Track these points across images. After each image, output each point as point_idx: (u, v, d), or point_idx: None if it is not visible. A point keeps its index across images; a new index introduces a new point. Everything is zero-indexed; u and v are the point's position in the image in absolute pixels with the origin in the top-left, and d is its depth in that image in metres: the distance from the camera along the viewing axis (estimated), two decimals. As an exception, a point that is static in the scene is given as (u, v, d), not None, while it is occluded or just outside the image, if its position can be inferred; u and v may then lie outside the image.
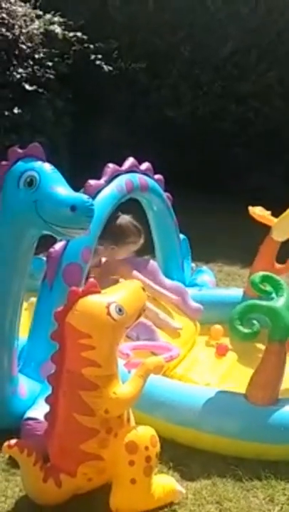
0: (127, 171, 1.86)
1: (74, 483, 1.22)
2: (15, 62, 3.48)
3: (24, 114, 3.40)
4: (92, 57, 3.82)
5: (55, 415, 1.22)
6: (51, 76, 3.64)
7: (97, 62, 3.83)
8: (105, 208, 1.71)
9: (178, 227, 2.23)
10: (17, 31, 3.47)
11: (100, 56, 3.83)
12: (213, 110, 3.99)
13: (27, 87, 3.47)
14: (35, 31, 3.58)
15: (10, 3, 3.46)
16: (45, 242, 1.50)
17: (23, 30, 3.52)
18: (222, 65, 3.97)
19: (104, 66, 3.85)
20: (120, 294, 1.24)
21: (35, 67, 3.57)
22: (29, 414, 1.38)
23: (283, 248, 2.10)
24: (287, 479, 1.34)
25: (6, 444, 1.20)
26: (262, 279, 1.56)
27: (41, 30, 3.63)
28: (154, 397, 1.44)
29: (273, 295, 1.53)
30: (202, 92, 4.03)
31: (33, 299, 1.69)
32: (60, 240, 1.58)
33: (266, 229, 2.09)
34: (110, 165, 1.79)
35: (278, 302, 1.49)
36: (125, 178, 1.83)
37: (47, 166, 1.35)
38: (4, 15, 3.40)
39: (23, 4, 3.61)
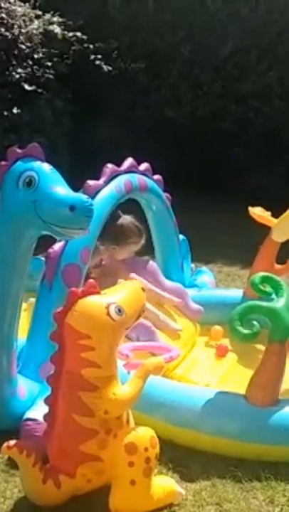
0: (126, 172, 1.86)
1: (73, 484, 1.22)
2: (14, 62, 3.47)
3: (23, 114, 3.39)
4: (92, 57, 3.82)
5: (54, 416, 1.22)
6: (50, 76, 3.63)
7: (97, 62, 3.83)
8: (104, 208, 1.71)
9: (177, 227, 2.23)
10: (16, 31, 3.46)
11: (99, 56, 3.82)
12: (213, 110, 3.99)
13: (26, 87, 3.47)
14: (34, 31, 3.58)
15: (9, 3, 3.46)
16: (44, 243, 1.50)
17: (23, 30, 3.51)
18: (222, 65, 3.97)
19: (104, 66, 3.84)
20: (120, 295, 1.24)
21: (35, 67, 3.57)
22: (28, 415, 1.38)
23: (283, 249, 2.10)
24: (287, 480, 1.34)
25: (5, 444, 1.20)
26: (262, 280, 1.55)
27: (40, 30, 3.63)
28: (153, 398, 1.44)
29: (273, 296, 1.53)
30: (202, 92, 4.03)
31: (32, 300, 1.68)
32: (59, 241, 1.57)
33: (266, 229, 2.09)
34: (109, 165, 1.79)
35: (278, 303, 1.49)
36: (124, 179, 1.83)
37: (46, 166, 1.35)
38: (3, 15, 3.39)
39: (22, 4, 3.60)
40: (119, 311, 1.19)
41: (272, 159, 3.98)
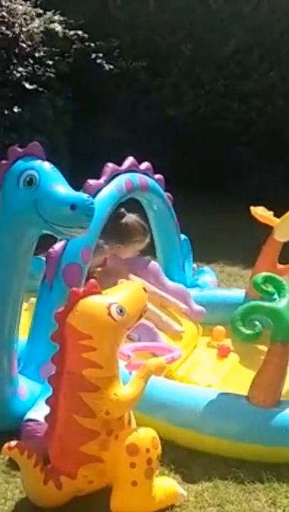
0: (127, 171, 1.85)
1: (74, 486, 1.21)
2: (15, 61, 3.47)
3: (24, 113, 3.39)
4: (93, 55, 3.80)
5: (55, 417, 1.21)
6: (51, 75, 3.62)
7: (98, 60, 3.82)
8: (105, 207, 1.70)
9: (179, 227, 2.22)
10: (17, 30, 3.45)
11: (100, 55, 3.81)
12: (215, 109, 3.98)
13: (27, 85, 3.46)
14: (35, 30, 3.57)
15: (10, 1, 3.45)
16: (45, 242, 1.49)
17: (24, 29, 3.51)
18: (224, 63, 3.95)
19: (105, 65, 3.83)
20: (121, 295, 1.23)
21: (36, 65, 3.56)
22: (29, 415, 1.37)
23: (286, 249, 2.09)
24: (289, 482, 1.33)
25: (6, 445, 1.20)
26: (264, 280, 1.55)
27: (41, 28, 3.62)
28: (155, 399, 1.43)
29: (276, 296, 1.52)
30: (204, 91, 4.01)
31: (33, 300, 1.68)
32: (60, 240, 1.56)
33: (268, 229, 2.08)
34: (110, 164, 1.78)
35: (281, 303, 1.48)
36: (125, 178, 1.82)
37: (47, 165, 1.34)
38: (4, 13, 3.39)
39: (23, 2, 3.59)
40: (121, 311, 1.18)
41: (275, 159, 3.97)
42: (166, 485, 1.25)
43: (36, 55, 3.57)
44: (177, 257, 2.20)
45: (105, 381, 1.18)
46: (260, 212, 2.11)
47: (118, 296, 1.22)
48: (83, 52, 3.80)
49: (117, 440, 1.19)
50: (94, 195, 1.63)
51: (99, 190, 1.70)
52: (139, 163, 1.96)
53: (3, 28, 3.37)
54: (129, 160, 1.90)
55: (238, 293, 2.16)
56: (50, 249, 1.59)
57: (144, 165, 1.98)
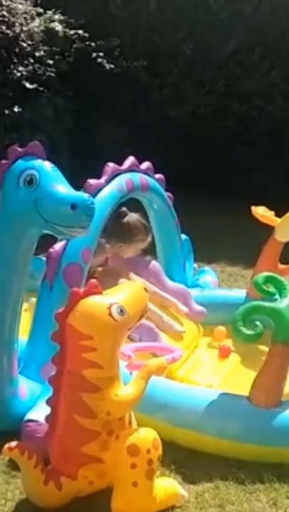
0: (128, 170, 1.84)
1: (75, 486, 1.21)
2: (15, 61, 3.46)
3: (24, 113, 3.38)
4: (94, 55, 3.80)
5: (55, 417, 1.21)
6: (52, 74, 3.61)
7: (99, 60, 3.81)
8: (106, 207, 1.69)
9: (179, 227, 2.21)
10: (17, 29, 3.45)
11: (101, 54, 3.80)
12: (215, 109, 3.97)
13: (27, 85, 3.45)
14: (35, 29, 3.56)
15: (10, 0, 3.44)
16: (45, 243, 1.49)
17: (24, 28, 3.50)
18: (225, 63, 3.94)
19: (106, 64, 3.82)
20: (122, 295, 1.22)
21: (36, 65, 3.55)
22: (30, 416, 1.37)
23: (287, 249, 2.08)
24: (290, 482, 1.33)
25: (6, 446, 1.19)
26: (265, 280, 1.54)
27: (42, 28, 3.61)
28: (155, 399, 1.42)
29: (277, 296, 1.51)
30: (204, 90, 4.00)
31: (34, 300, 1.67)
32: (60, 240, 1.56)
33: (269, 229, 2.07)
34: (110, 164, 1.78)
35: (282, 303, 1.47)
36: (126, 178, 1.81)
37: (47, 165, 1.34)
38: (5, 12, 3.38)
39: (23, 2, 3.58)
40: (122, 311, 1.18)
41: (275, 158, 3.96)
42: (167, 485, 1.24)
43: (36, 54, 3.57)
44: (178, 257, 2.20)
45: (106, 381, 1.18)
46: (261, 212, 2.11)
47: (119, 296, 1.22)
48: (84, 52, 3.79)
49: (117, 441, 1.19)
50: (94, 195, 1.62)
51: (99, 190, 1.69)
52: (140, 162, 1.95)
53: (4, 28, 3.36)
54: (130, 160, 1.89)
55: (238, 293, 2.15)
56: (51, 249, 1.58)
57: (145, 165, 1.98)
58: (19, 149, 1.38)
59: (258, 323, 1.43)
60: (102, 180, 1.73)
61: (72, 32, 3.71)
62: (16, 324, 1.42)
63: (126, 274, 1.75)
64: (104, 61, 3.83)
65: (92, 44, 3.79)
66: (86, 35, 3.74)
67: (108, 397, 1.17)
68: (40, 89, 3.52)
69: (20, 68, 3.46)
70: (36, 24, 3.58)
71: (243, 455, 1.38)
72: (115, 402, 1.17)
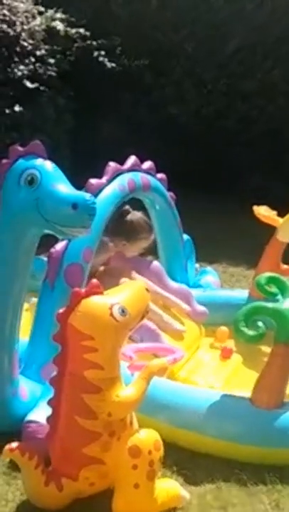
0: (129, 170, 1.83)
1: (76, 487, 1.20)
2: (16, 59, 3.45)
3: (25, 112, 3.37)
4: (95, 54, 3.79)
5: (57, 418, 1.20)
6: (53, 73, 3.60)
7: (100, 58, 3.80)
8: (107, 207, 1.69)
9: (181, 227, 2.20)
10: (18, 28, 3.43)
11: (102, 52, 3.79)
12: (217, 108, 3.95)
13: (28, 84, 3.44)
14: (36, 28, 3.55)
15: (11, -1, 3.44)
16: (46, 243, 1.48)
17: (25, 27, 3.49)
18: (227, 62, 3.93)
19: (107, 63, 3.81)
20: (123, 295, 1.22)
21: (37, 64, 3.54)
22: (30, 416, 1.36)
23: (289, 249, 2.08)
24: (292, 484, 1.32)
25: (7, 447, 1.19)
26: (267, 281, 1.53)
27: (43, 26, 3.60)
28: (157, 400, 1.42)
29: (279, 297, 1.50)
30: (206, 90, 3.99)
31: (35, 300, 1.67)
32: (61, 240, 1.55)
33: (271, 229, 2.06)
34: (112, 163, 1.77)
35: (284, 304, 1.46)
36: (127, 177, 1.80)
37: (48, 164, 1.33)
38: (5, 11, 3.37)
39: (24, 0, 3.57)
40: (123, 311, 1.17)
41: (276, 158, 3.95)
42: (169, 487, 1.24)
43: (38, 53, 3.55)
44: (180, 257, 2.19)
45: (107, 382, 1.17)
46: (263, 212, 2.10)
47: (120, 296, 1.21)
48: (85, 51, 3.78)
49: (119, 442, 1.18)
50: (96, 195, 1.61)
51: (101, 190, 1.69)
52: (141, 162, 1.94)
53: (5, 26, 3.35)
54: (132, 159, 1.88)
55: (241, 293, 2.14)
56: (52, 250, 1.57)
57: (147, 164, 1.97)
58: (20, 149, 1.37)
59: (260, 323, 1.43)
60: (104, 179, 1.72)
61: (73, 31, 3.70)
62: (17, 324, 1.42)
63: (128, 273, 1.75)
64: (106, 59, 3.81)
65: (94, 43, 3.77)
66: (87, 34, 3.73)
67: (109, 398, 1.16)
68: (41, 88, 3.51)
69: (21, 67, 3.44)
70: (37, 23, 3.56)
71: (245, 456, 1.37)
72: (116, 403, 1.16)
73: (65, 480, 1.19)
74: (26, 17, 3.52)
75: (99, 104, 3.96)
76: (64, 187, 1.29)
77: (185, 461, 1.37)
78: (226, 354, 1.87)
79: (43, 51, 3.59)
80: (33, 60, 3.52)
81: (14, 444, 1.18)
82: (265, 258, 2.06)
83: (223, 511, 1.24)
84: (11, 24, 3.40)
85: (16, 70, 3.42)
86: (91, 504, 1.22)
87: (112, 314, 1.16)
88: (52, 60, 3.62)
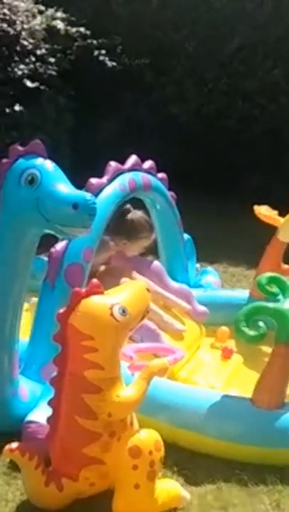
0: (130, 170, 1.83)
1: (76, 488, 1.20)
2: (16, 59, 3.44)
3: (25, 111, 3.36)
4: (96, 53, 3.78)
5: (57, 418, 1.20)
6: (53, 72, 3.59)
7: (101, 57, 3.79)
8: (108, 207, 1.68)
9: (182, 227, 2.20)
10: (19, 27, 3.42)
11: (103, 51, 3.78)
12: (218, 108, 3.95)
13: (28, 83, 3.43)
14: (37, 27, 3.54)
15: (12, -2, 3.43)
16: (46, 242, 1.48)
17: (25, 26, 3.48)
18: (228, 61, 3.92)
19: (108, 62, 3.80)
20: (124, 295, 1.21)
21: (37, 63, 3.53)
22: (30, 417, 1.36)
23: (290, 249, 2.08)
24: (293, 484, 1.32)
25: (7, 447, 1.19)
26: (268, 281, 1.53)
27: (43, 26, 3.59)
28: (157, 400, 1.41)
29: (280, 296, 1.50)
30: (207, 89, 3.98)
31: (35, 300, 1.66)
32: (62, 240, 1.55)
33: (272, 229, 2.06)
34: (112, 163, 1.76)
35: (285, 304, 1.46)
36: (128, 177, 1.80)
37: (48, 164, 1.33)
38: (6, 10, 3.36)
39: (25, 0, 3.57)
40: (123, 311, 1.17)
41: (276, 158, 3.94)
42: (169, 487, 1.24)
43: (38, 52, 3.54)
44: (180, 257, 2.18)
45: (107, 382, 1.17)
46: (264, 212, 2.09)
47: (121, 296, 1.21)
48: (85, 50, 3.77)
49: (119, 442, 1.18)
50: (96, 195, 1.61)
51: (101, 190, 1.68)
52: (142, 161, 1.94)
53: (5, 26, 3.34)
54: (132, 159, 1.88)
55: (241, 293, 2.14)
56: (52, 249, 1.57)
57: (148, 164, 1.96)
58: (20, 148, 1.37)
59: (261, 323, 1.43)
60: (105, 179, 1.71)
61: (73, 30, 3.68)
62: (17, 324, 1.41)
63: (128, 273, 1.74)
64: (106, 59, 3.80)
65: (94, 42, 3.76)
66: (88, 33, 3.71)
67: (110, 399, 1.16)
68: (42, 87, 3.50)
69: (22, 66, 3.43)
70: (38, 22, 3.55)
71: (246, 457, 1.37)
72: (117, 404, 1.16)
73: (65, 480, 1.19)
74: (26, 16, 3.51)
75: (99, 103, 3.95)
76: (64, 187, 1.29)
77: (185, 461, 1.37)
78: (226, 354, 1.87)
79: (43, 50, 3.58)
80: (33, 59, 3.52)
81: (14, 445, 1.18)
82: (266, 258, 2.05)
83: (223, 511, 1.24)
84: (11, 23, 3.39)
85: (16, 69, 3.41)
86: (91, 504, 1.22)
87: (112, 314, 1.16)
88: (52, 59, 3.61)
